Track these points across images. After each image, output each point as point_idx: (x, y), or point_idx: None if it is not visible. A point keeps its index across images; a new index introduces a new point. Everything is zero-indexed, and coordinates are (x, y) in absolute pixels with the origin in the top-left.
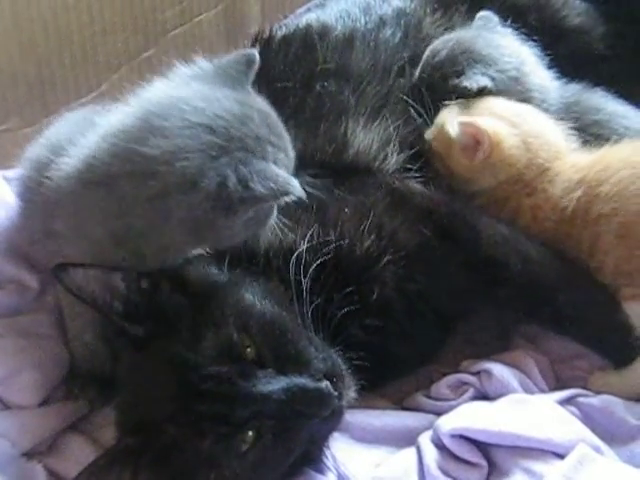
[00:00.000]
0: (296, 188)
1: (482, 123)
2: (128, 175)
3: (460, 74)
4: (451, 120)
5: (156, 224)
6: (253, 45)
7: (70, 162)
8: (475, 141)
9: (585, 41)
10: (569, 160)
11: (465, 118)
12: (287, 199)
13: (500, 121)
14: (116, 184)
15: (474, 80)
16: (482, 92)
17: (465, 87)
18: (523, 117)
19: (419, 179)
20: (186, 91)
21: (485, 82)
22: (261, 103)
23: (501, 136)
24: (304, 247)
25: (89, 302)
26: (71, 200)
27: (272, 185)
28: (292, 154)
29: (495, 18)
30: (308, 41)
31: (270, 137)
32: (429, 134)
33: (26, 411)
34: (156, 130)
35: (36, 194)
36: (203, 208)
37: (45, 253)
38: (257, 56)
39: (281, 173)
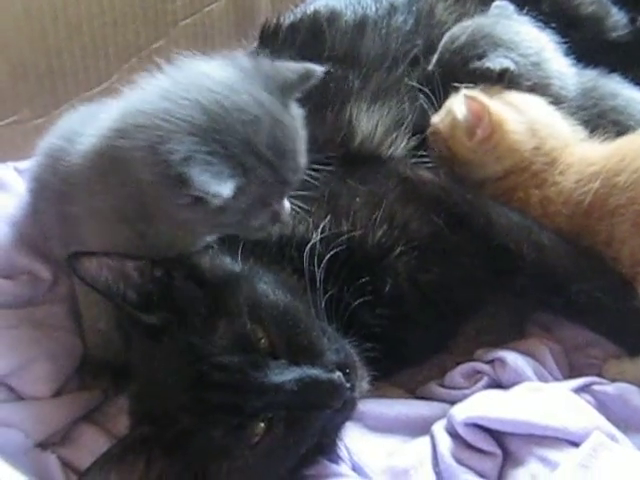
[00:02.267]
0: (218, 201)
1: (486, 100)
2: (133, 150)
3: (481, 57)
4: (459, 101)
5: (148, 203)
6: (261, 34)
7: (85, 142)
8: (477, 118)
9: (598, 29)
10: (579, 151)
11: (471, 92)
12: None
13: (507, 106)
14: (121, 162)
15: (497, 62)
16: (503, 76)
17: (488, 68)
18: (531, 106)
19: (430, 166)
20: (217, 72)
21: (508, 64)
22: (289, 117)
23: (503, 116)
24: (317, 238)
25: (103, 291)
26: (86, 181)
27: (205, 181)
28: (288, 176)
29: (511, 7)
30: (316, 28)
31: (263, 149)
32: (436, 117)
33: (40, 402)
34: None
35: (51, 181)
36: (153, 173)
37: (59, 241)
38: (318, 73)
39: (225, 182)
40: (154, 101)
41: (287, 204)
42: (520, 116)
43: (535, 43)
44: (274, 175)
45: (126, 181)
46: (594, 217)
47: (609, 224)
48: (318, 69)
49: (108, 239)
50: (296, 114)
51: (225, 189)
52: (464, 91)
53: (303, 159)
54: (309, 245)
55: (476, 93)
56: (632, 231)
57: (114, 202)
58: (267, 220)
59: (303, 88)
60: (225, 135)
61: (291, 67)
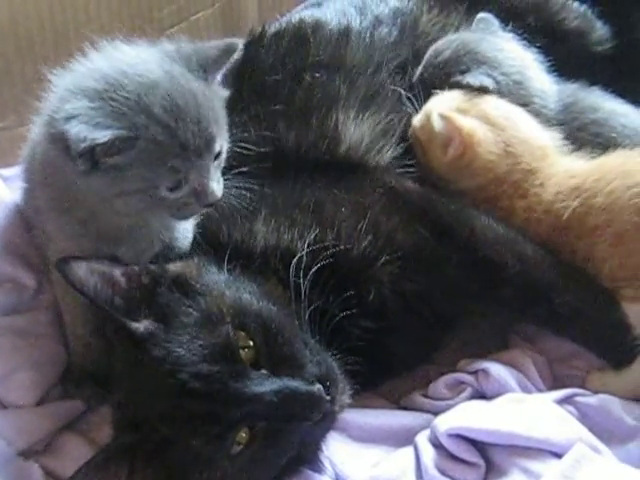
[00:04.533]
0: (77, 141)
1: (459, 120)
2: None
3: (464, 72)
4: (436, 110)
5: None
6: (246, 42)
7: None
8: (449, 137)
9: (583, 43)
10: (562, 164)
11: (446, 111)
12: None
13: (485, 124)
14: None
15: (478, 78)
16: (483, 92)
17: (468, 83)
18: (511, 120)
19: (415, 176)
20: (135, 50)
21: (488, 83)
22: (201, 88)
23: (476, 138)
24: (304, 252)
25: (90, 296)
26: (37, 175)
27: (80, 131)
28: (187, 139)
29: (496, 22)
30: (301, 34)
31: (157, 109)
32: (417, 120)
33: (23, 410)
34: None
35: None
36: (50, 142)
37: (40, 238)
38: (239, 46)
39: (101, 131)
40: (67, 77)
41: (214, 184)
42: (495, 135)
43: (518, 61)
44: (169, 135)
45: (49, 167)
46: (572, 234)
47: (588, 243)
48: (238, 42)
49: (62, 232)
50: (217, 91)
51: (99, 134)
52: (438, 110)
53: (213, 127)
54: (295, 259)
55: (450, 112)
56: (611, 251)
57: (52, 194)
58: (189, 198)
59: (226, 62)
60: (115, 95)
61: (213, 44)
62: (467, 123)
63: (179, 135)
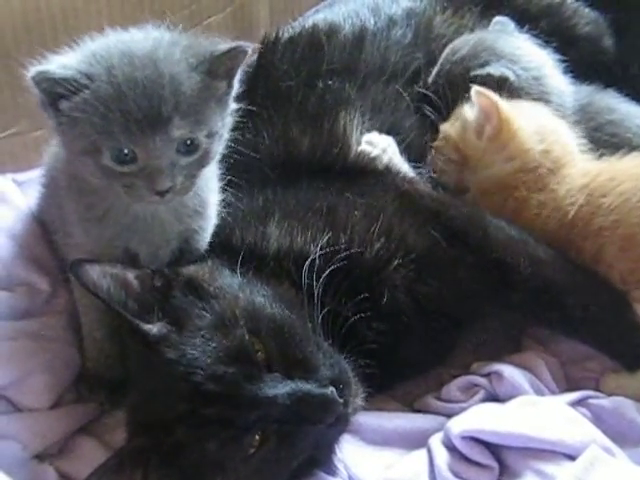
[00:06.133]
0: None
1: (497, 97)
2: None
3: (483, 66)
4: (469, 105)
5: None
6: (260, 48)
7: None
8: (486, 114)
9: (594, 48)
10: (579, 164)
11: (481, 88)
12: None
13: (515, 109)
14: None
15: (498, 70)
16: (503, 85)
17: (489, 74)
18: (541, 113)
19: (427, 178)
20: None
21: (509, 74)
22: (184, 73)
23: (511, 115)
24: (317, 254)
25: (104, 299)
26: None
27: (42, 69)
28: (133, 108)
29: (512, 23)
30: (315, 41)
31: (116, 72)
32: (446, 125)
33: (37, 414)
34: None
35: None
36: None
37: (57, 243)
38: (248, 50)
39: (61, 66)
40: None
41: (168, 172)
42: (528, 119)
43: (536, 58)
44: (114, 99)
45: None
46: (577, 233)
47: (594, 244)
48: (247, 45)
49: (84, 233)
50: (216, 88)
51: (55, 69)
52: (475, 88)
53: (169, 110)
54: (308, 261)
55: (486, 90)
56: (620, 256)
57: (75, 196)
58: (137, 179)
59: (232, 62)
60: (93, 51)
61: (220, 42)
62: (503, 101)
63: (123, 101)
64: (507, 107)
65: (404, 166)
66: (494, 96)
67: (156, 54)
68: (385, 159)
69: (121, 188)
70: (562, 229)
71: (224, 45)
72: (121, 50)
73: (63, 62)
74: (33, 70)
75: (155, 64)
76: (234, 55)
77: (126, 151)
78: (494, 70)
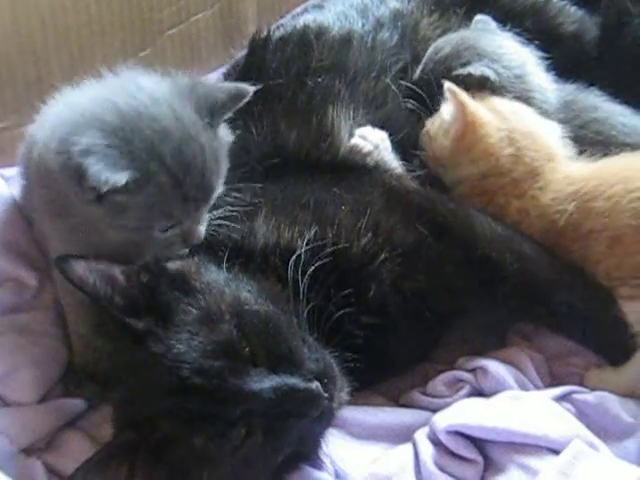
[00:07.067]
0: (97, 181)
1: (465, 97)
2: (50, 141)
3: (465, 65)
4: (448, 84)
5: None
6: (250, 45)
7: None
8: (453, 116)
9: (579, 47)
10: (563, 170)
11: (453, 86)
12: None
13: (489, 111)
14: (44, 155)
15: (479, 69)
16: (484, 84)
17: (469, 73)
18: (518, 115)
19: (415, 175)
20: (148, 84)
21: (489, 73)
22: (209, 138)
23: (479, 119)
24: (303, 250)
25: (91, 294)
26: (34, 176)
27: (99, 170)
28: (190, 191)
29: (493, 22)
30: (305, 40)
31: (167, 158)
32: (429, 122)
33: (25, 408)
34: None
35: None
36: (59, 164)
37: (40, 236)
38: (250, 92)
39: (119, 172)
40: (81, 100)
41: (201, 229)
42: (499, 122)
43: (518, 56)
44: (175, 186)
45: (47, 173)
46: (567, 238)
47: (582, 245)
48: (249, 88)
49: (56, 233)
50: (222, 137)
51: (118, 177)
52: (447, 84)
53: (215, 179)
54: (294, 256)
55: (459, 90)
56: (607, 252)
57: (46, 197)
58: (177, 238)
59: (234, 107)
60: (131, 136)
61: (223, 87)
62: (472, 102)
63: (183, 187)
64: (475, 109)
65: (394, 162)
66: (464, 97)
67: (185, 125)
68: (376, 155)
69: (153, 247)
70: (549, 233)
71: (225, 91)
72: (156, 130)
73: (112, 160)
74: (100, 186)
75: (192, 139)
76: (238, 99)
77: (175, 222)
78: (474, 70)
